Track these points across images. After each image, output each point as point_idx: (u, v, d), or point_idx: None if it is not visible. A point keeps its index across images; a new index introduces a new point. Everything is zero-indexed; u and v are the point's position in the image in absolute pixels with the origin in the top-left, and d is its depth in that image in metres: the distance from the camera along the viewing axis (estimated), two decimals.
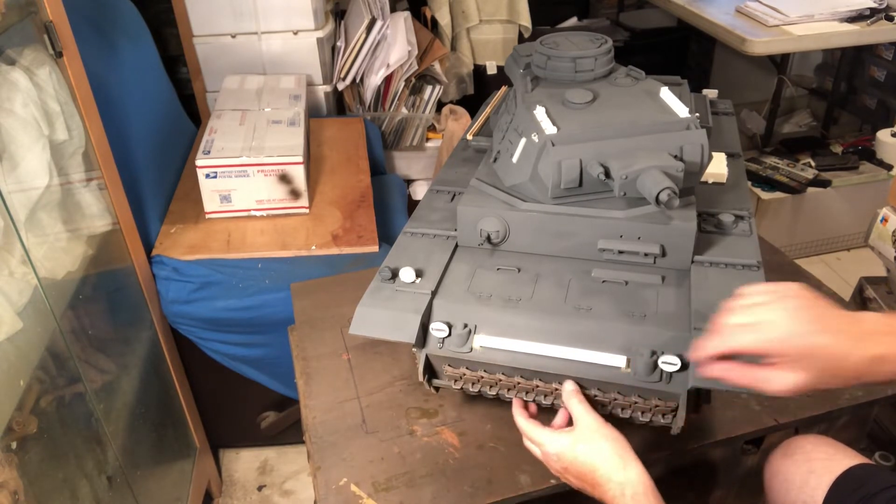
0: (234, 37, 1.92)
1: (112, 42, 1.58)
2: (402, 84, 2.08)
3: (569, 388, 0.79)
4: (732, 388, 0.68)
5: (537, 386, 0.82)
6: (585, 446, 0.72)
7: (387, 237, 1.54)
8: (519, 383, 0.83)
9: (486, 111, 1.22)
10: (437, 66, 2.20)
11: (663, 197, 0.75)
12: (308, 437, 0.91)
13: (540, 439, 0.76)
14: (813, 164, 2.41)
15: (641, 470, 0.69)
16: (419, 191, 2.28)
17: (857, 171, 2.37)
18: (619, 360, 0.78)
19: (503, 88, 1.28)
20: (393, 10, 2.20)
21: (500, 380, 0.83)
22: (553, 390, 0.82)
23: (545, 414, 0.89)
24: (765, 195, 2.31)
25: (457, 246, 0.93)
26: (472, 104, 2.35)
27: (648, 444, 0.86)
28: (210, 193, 1.50)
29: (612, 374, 0.78)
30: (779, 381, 0.61)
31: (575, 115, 0.86)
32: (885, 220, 1.40)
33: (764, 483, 0.92)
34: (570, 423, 0.77)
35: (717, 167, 1.00)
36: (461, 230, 0.91)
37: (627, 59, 1.08)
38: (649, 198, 0.77)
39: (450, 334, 0.82)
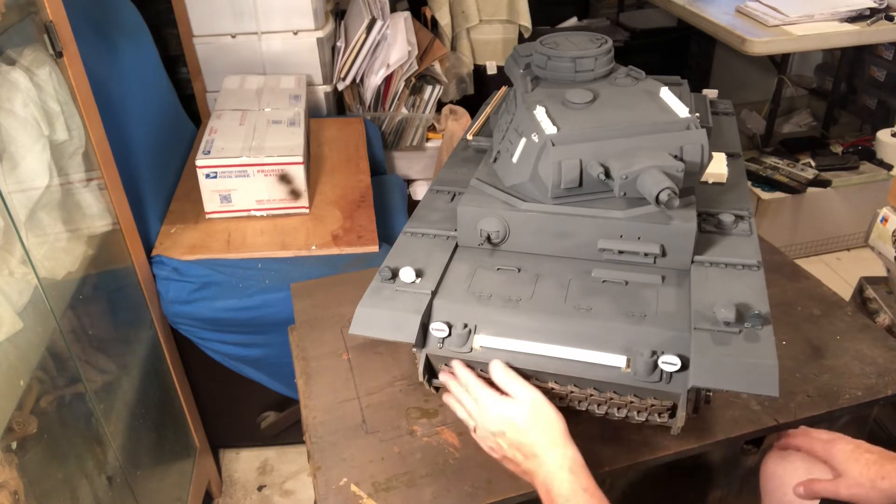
0: (234, 37, 1.92)
1: (112, 42, 1.58)
2: (402, 84, 2.08)
3: (498, 366, 0.79)
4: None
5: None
6: (535, 416, 0.74)
7: (387, 237, 1.54)
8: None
9: (486, 111, 1.22)
10: (437, 66, 2.20)
11: (663, 197, 0.75)
12: (308, 437, 0.91)
13: (485, 398, 0.77)
14: (813, 164, 2.41)
15: (577, 450, 0.73)
16: (419, 191, 2.28)
17: (857, 171, 2.37)
18: (619, 360, 0.78)
19: (503, 88, 1.28)
20: (393, 10, 2.20)
21: None
22: (548, 389, 0.82)
23: None
24: (765, 195, 2.31)
25: (457, 246, 0.93)
26: (472, 104, 2.35)
27: (648, 444, 0.86)
28: (210, 193, 1.50)
29: (612, 375, 0.78)
30: None
31: (575, 115, 0.86)
32: (885, 220, 1.40)
33: (759, 485, 0.92)
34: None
35: (717, 167, 1.00)
36: (461, 230, 0.91)
37: (627, 59, 1.08)
38: (649, 198, 0.77)
39: (450, 334, 0.82)
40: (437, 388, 0.90)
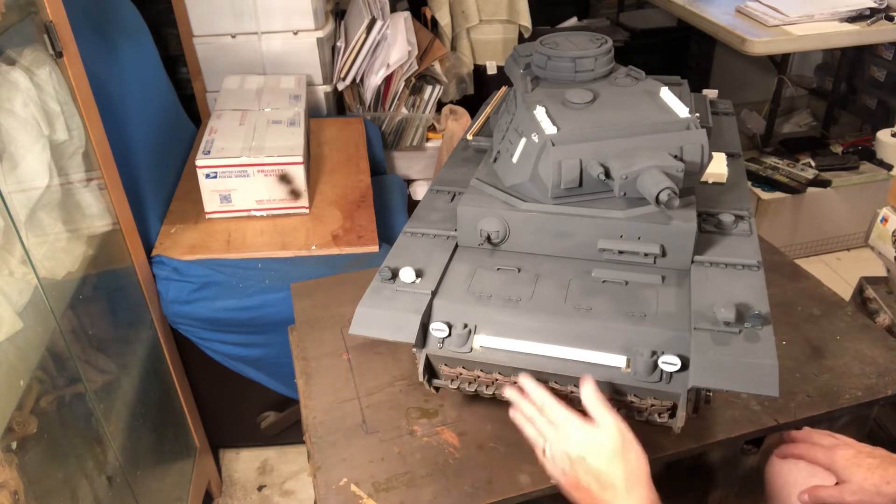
0: (234, 37, 1.92)
1: (112, 42, 1.58)
2: (402, 84, 2.08)
3: (590, 388, 0.75)
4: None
5: None
6: (623, 447, 0.71)
7: (387, 237, 1.54)
8: (515, 382, 0.83)
9: (486, 111, 1.22)
10: (437, 66, 2.20)
11: (663, 197, 0.75)
12: (308, 437, 0.91)
13: (567, 421, 0.73)
14: (813, 164, 2.41)
15: (658, 495, 0.70)
16: (419, 191, 2.28)
17: (857, 171, 2.37)
18: (619, 360, 0.78)
19: (503, 88, 1.28)
20: (393, 10, 2.20)
21: (497, 379, 0.83)
22: (549, 389, 0.82)
23: None
24: (765, 195, 2.31)
25: (457, 246, 0.93)
26: (472, 104, 2.35)
27: (648, 444, 0.86)
28: (210, 193, 1.50)
29: (612, 374, 0.78)
30: None
31: (575, 115, 0.86)
32: (885, 220, 1.40)
33: (765, 485, 0.92)
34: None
35: (717, 167, 1.00)
36: (461, 230, 0.91)
37: (627, 59, 1.08)
38: (649, 198, 0.77)
39: (450, 334, 0.82)
40: (437, 388, 0.90)
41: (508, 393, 0.80)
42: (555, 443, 0.74)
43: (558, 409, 0.75)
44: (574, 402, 0.82)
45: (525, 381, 0.79)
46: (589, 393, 0.75)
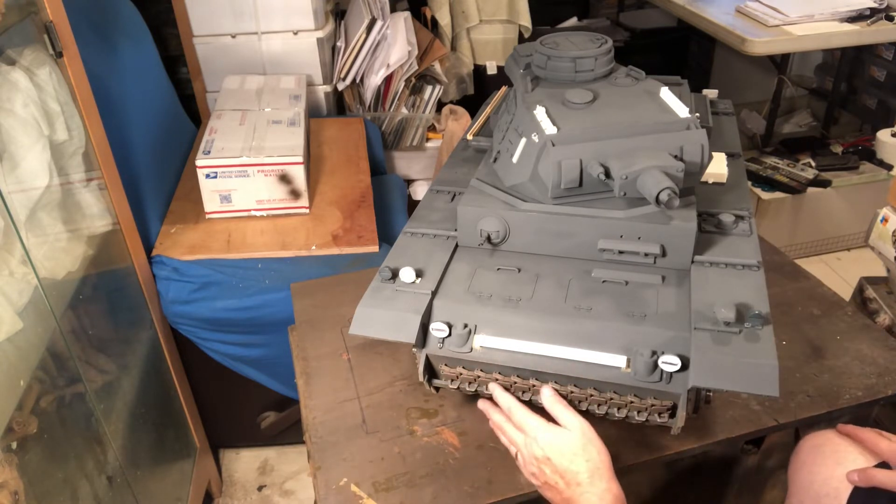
0: (234, 37, 1.92)
1: (112, 42, 1.58)
2: (402, 84, 2.08)
3: (548, 393, 0.79)
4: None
5: (533, 385, 0.82)
6: (584, 445, 0.74)
7: (387, 237, 1.54)
8: (515, 382, 0.83)
9: (486, 111, 1.22)
10: (437, 66, 2.20)
11: (663, 197, 0.75)
12: (308, 437, 0.91)
13: (531, 424, 0.77)
14: (813, 164, 2.41)
15: (620, 487, 0.73)
16: (419, 191, 2.28)
17: (857, 171, 2.37)
18: (619, 360, 0.78)
19: (503, 88, 1.28)
20: (393, 10, 2.20)
21: (497, 379, 0.83)
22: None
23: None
24: (765, 195, 2.31)
25: (457, 246, 0.93)
26: (472, 104, 2.35)
27: (648, 444, 0.86)
28: (210, 193, 1.50)
29: (612, 375, 0.78)
30: None
31: (575, 115, 0.86)
32: (885, 220, 1.40)
33: (788, 478, 0.92)
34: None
35: (717, 167, 1.00)
36: (461, 230, 0.91)
37: (627, 59, 1.08)
38: (649, 198, 0.77)
39: (450, 334, 0.82)
40: (437, 388, 0.90)
41: (481, 405, 0.84)
42: (523, 447, 0.77)
43: (524, 414, 0.78)
44: (573, 402, 0.82)
45: (494, 388, 0.82)
46: (548, 397, 0.78)
